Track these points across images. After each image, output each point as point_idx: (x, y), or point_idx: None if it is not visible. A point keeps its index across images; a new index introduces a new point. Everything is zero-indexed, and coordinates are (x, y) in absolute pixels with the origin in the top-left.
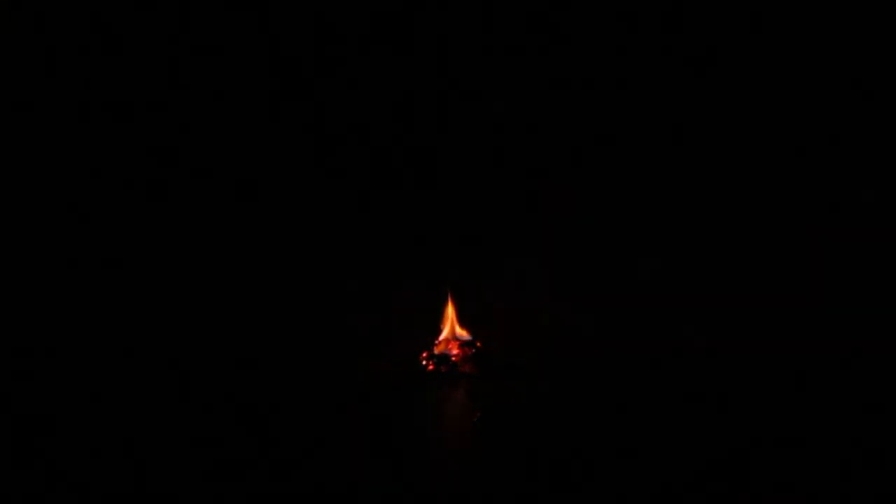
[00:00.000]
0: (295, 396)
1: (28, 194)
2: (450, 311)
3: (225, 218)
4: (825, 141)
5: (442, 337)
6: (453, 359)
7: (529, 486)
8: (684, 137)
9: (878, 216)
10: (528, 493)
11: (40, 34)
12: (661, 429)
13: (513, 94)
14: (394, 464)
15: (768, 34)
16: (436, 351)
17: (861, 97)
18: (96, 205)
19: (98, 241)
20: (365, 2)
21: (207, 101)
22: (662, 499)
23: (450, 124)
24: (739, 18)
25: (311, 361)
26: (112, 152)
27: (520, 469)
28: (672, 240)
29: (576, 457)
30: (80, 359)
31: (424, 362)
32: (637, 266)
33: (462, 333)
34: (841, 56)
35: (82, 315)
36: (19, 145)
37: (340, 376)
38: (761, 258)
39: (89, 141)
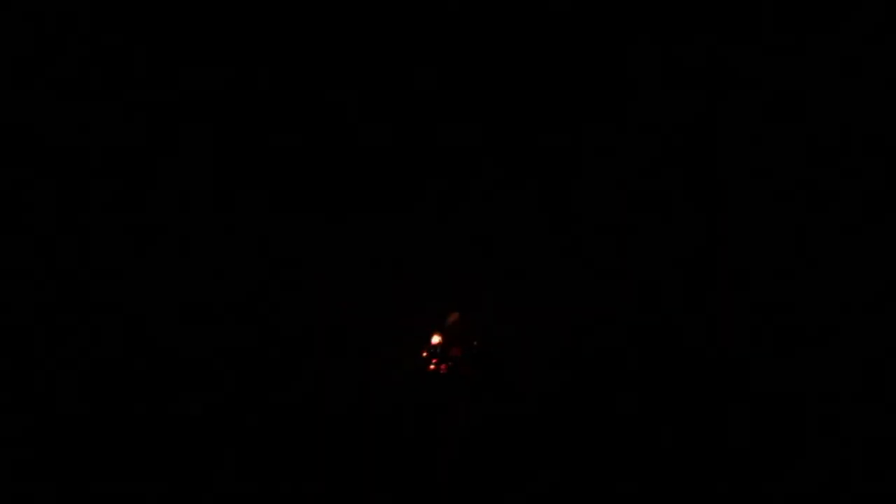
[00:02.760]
0: (295, 396)
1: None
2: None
3: (226, 218)
4: None
5: (440, 339)
6: (452, 358)
7: (528, 484)
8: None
9: None
10: (527, 491)
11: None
12: (656, 429)
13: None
14: (393, 462)
15: None
16: (436, 351)
17: None
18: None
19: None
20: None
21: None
22: (659, 498)
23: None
24: None
25: (311, 361)
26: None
27: (519, 467)
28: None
29: (574, 455)
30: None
31: (425, 362)
32: None
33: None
34: None
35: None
36: None
37: (341, 376)
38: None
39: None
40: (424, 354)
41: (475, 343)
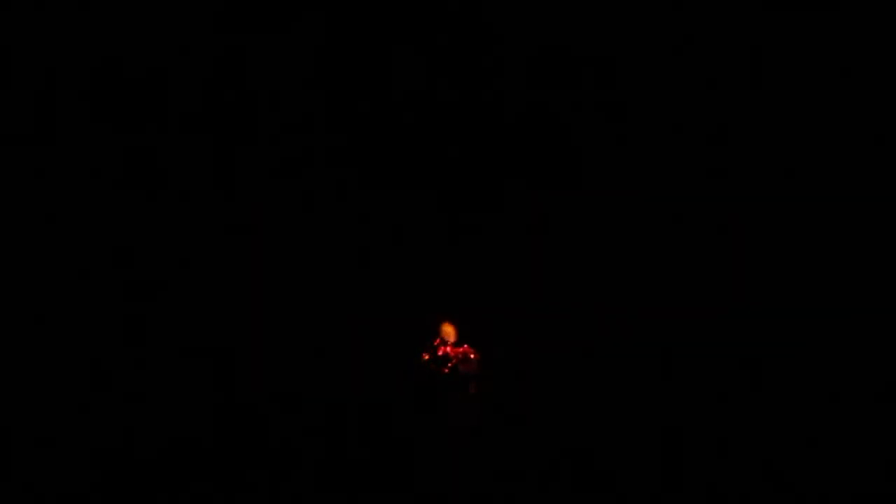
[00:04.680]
0: (297, 396)
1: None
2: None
3: (231, 219)
4: None
5: (440, 339)
6: (453, 360)
7: (527, 484)
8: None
9: None
10: (526, 491)
11: None
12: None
13: None
14: (394, 462)
15: None
16: (437, 353)
17: None
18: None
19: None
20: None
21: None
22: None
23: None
24: None
25: (311, 361)
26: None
27: (518, 467)
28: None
29: (572, 454)
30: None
31: (426, 363)
32: None
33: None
34: None
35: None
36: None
37: (342, 376)
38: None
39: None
40: (426, 356)
41: (474, 344)
